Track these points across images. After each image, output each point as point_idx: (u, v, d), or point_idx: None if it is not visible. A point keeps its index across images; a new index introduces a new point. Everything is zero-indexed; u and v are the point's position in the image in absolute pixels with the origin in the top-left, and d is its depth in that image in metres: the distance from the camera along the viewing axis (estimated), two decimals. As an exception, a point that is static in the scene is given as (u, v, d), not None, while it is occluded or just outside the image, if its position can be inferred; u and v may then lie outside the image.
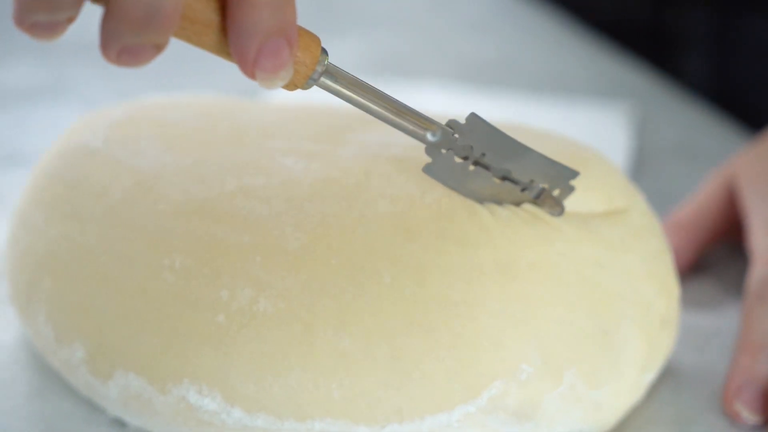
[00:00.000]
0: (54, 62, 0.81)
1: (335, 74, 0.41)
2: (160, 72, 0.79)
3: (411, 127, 0.43)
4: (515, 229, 0.44)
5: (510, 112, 0.71)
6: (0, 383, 0.49)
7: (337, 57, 0.80)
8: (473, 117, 0.44)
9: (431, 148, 0.44)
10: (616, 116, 0.72)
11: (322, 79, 0.40)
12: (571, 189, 0.45)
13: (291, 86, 0.40)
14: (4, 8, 0.90)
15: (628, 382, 0.45)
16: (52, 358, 0.48)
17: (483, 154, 0.44)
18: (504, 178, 0.45)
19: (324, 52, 0.40)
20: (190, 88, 0.72)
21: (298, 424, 0.43)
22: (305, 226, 0.45)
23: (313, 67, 0.40)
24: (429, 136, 0.43)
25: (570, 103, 0.75)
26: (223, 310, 0.44)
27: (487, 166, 0.44)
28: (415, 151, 0.46)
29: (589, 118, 0.71)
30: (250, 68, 0.38)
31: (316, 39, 0.40)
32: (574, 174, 0.45)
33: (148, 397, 0.45)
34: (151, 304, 0.45)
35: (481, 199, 0.45)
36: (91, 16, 0.86)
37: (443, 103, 0.72)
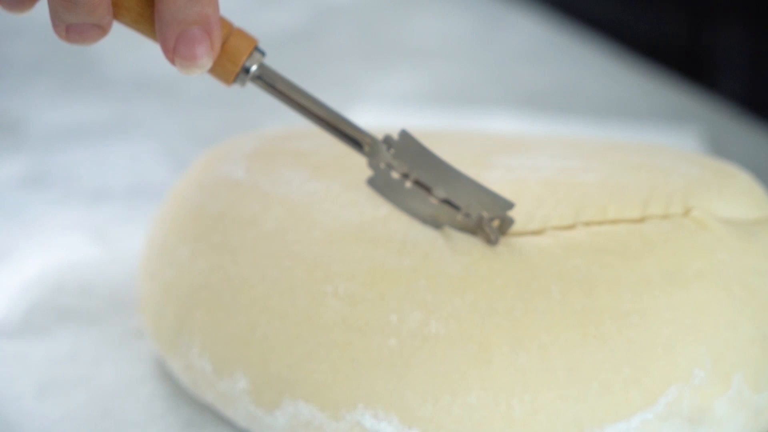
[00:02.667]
0: (116, 99, 0.81)
1: (271, 76, 0.43)
2: (222, 107, 0.79)
3: (346, 136, 0.44)
4: (678, 239, 0.45)
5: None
6: (153, 416, 0.49)
7: (394, 87, 0.82)
8: (404, 134, 0.44)
9: (372, 162, 0.45)
10: (688, 139, 0.73)
11: (259, 79, 0.43)
12: (511, 221, 0.46)
13: (223, 80, 0.42)
14: (58, 51, 0.90)
15: (786, 387, 0.46)
16: (207, 390, 0.48)
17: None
18: (445, 201, 0.45)
19: (260, 52, 0.42)
20: (258, 123, 0.73)
21: (478, 442, 0.44)
22: (463, 249, 0.45)
23: (240, 63, 0.42)
24: (363, 149, 0.44)
25: (639, 127, 0.76)
26: (395, 333, 0.44)
27: (428, 187, 0.45)
28: (566, 174, 0.47)
29: (663, 142, 0.72)
30: (170, 55, 0.41)
31: (249, 39, 0.42)
32: (510, 205, 0.45)
33: (319, 424, 0.45)
34: (318, 331, 0.45)
35: (421, 219, 0.46)
36: (149, 56, 0.87)
37: (514, 129, 0.73)
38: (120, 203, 0.67)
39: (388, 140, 0.44)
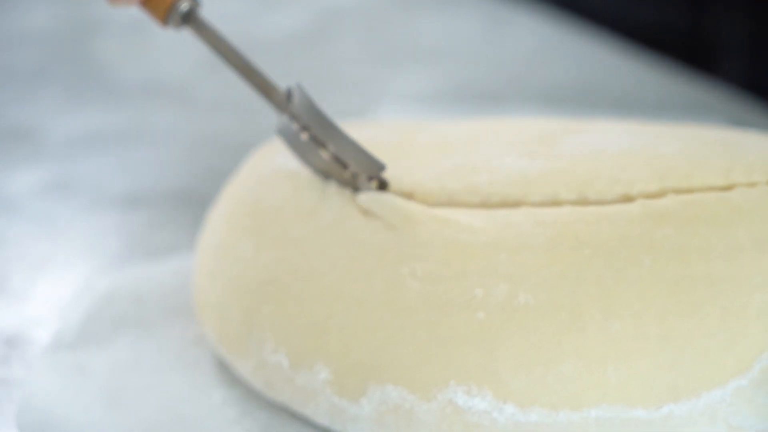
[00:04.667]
0: (129, 105, 0.81)
1: (202, 23, 0.46)
2: (238, 111, 0.79)
3: (260, 87, 0.47)
4: (767, 206, 0.45)
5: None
6: (229, 421, 0.47)
7: (409, 88, 0.81)
8: (298, 88, 0.47)
9: (278, 113, 0.47)
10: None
11: (190, 22, 0.46)
12: (386, 184, 0.47)
13: (157, 18, 0.46)
14: (62, 58, 0.89)
15: None
16: (283, 387, 0.47)
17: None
18: (335, 158, 0.47)
19: (195, 1, 0.46)
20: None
21: (573, 413, 0.43)
22: (544, 220, 0.45)
23: (168, 2, 0.45)
24: (270, 99, 0.47)
25: (664, 120, 0.75)
26: (482, 307, 0.43)
27: (321, 142, 0.47)
28: (642, 147, 0.47)
29: None
30: None
31: None
32: (381, 167, 0.46)
33: (409, 407, 0.44)
34: (399, 313, 0.44)
35: (316, 172, 0.48)
36: (156, 61, 0.86)
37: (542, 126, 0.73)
38: (151, 208, 0.66)
39: (289, 92, 0.47)
